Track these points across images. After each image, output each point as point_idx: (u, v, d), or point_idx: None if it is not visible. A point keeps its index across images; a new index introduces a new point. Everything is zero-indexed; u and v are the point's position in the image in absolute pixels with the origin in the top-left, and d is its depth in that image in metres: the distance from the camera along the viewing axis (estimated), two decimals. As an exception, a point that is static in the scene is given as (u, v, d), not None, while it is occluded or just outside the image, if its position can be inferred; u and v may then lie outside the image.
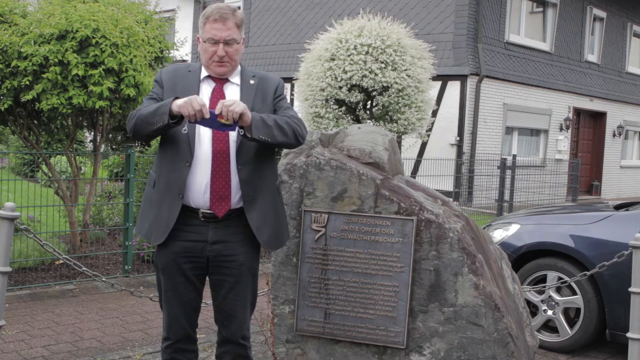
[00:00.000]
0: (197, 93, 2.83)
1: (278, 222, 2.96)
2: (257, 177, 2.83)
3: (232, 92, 2.89)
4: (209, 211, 2.79)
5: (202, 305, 3.02)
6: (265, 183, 2.88)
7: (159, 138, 2.90)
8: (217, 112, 2.62)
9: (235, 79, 2.92)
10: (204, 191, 2.77)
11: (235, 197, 2.81)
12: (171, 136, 2.81)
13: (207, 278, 2.94)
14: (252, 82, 2.92)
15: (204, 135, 2.78)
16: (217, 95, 2.86)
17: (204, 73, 2.90)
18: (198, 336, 3.09)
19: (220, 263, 2.85)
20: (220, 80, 2.89)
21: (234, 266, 2.86)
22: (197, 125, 2.76)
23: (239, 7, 18.91)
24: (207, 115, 2.61)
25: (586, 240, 4.82)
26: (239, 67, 2.94)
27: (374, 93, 8.96)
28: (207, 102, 2.80)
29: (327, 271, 3.36)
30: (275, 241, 2.98)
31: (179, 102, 2.63)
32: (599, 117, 18.70)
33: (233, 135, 2.79)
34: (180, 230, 2.81)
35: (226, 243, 2.83)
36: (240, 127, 2.70)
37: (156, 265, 2.93)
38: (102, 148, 7.15)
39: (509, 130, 15.43)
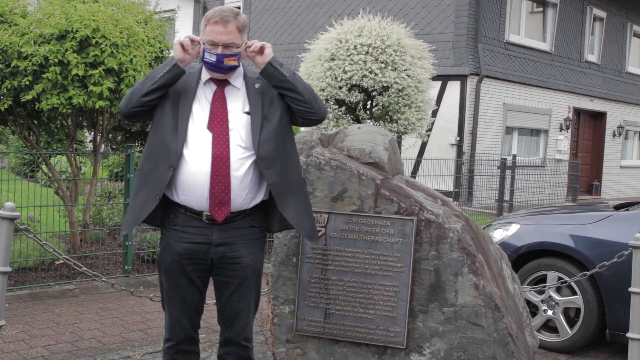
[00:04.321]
0: (194, 95, 2.80)
1: (312, 213, 2.97)
2: (284, 176, 2.81)
3: (236, 97, 2.84)
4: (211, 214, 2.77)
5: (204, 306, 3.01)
6: (291, 180, 2.85)
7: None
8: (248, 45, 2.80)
9: (238, 81, 2.85)
10: (204, 195, 2.73)
11: (237, 201, 2.77)
12: (160, 135, 2.78)
13: (211, 279, 2.93)
14: (257, 85, 2.85)
15: (204, 140, 2.74)
16: (218, 99, 2.81)
17: (205, 76, 2.85)
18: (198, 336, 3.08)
19: (224, 265, 2.83)
20: (222, 83, 2.84)
21: (238, 268, 2.84)
22: (189, 132, 2.74)
23: (239, 8, 18.95)
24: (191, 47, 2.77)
25: (586, 240, 4.82)
26: (240, 69, 2.87)
27: (374, 93, 8.96)
28: (207, 107, 2.79)
29: (327, 271, 3.36)
30: (314, 230, 2.97)
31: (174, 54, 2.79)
32: (599, 117, 18.70)
33: (232, 139, 2.76)
34: (185, 232, 2.80)
35: (231, 245, 2.81)
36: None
37: (159, 266, 2.91)
38: (102, 148, 7.14)
39: (509, 130, 15.43)
